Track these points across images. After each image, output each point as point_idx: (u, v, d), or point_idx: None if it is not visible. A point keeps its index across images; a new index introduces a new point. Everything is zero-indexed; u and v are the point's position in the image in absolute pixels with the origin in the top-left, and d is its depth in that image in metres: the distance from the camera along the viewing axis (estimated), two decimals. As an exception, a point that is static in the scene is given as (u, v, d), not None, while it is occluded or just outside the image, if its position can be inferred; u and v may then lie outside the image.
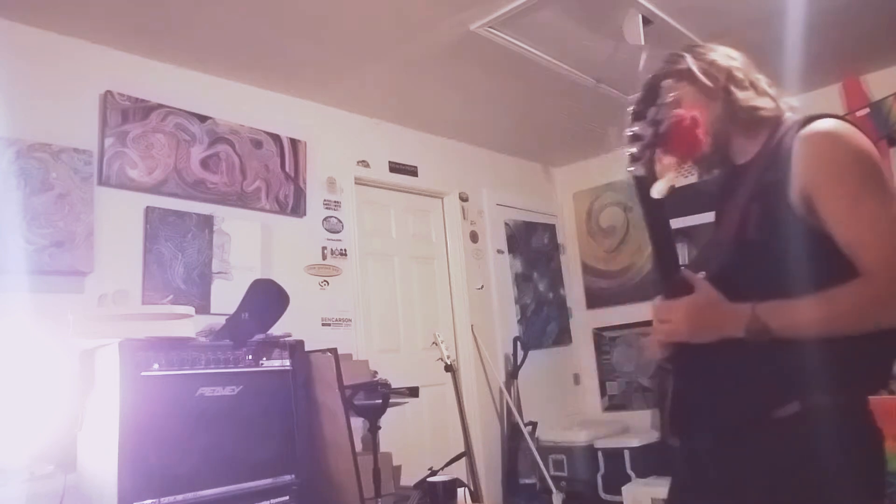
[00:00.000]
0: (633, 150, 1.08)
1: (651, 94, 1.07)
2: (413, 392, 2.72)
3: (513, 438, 3.95)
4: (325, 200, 3.47)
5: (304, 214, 3.34)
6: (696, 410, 1.22)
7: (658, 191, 1.10)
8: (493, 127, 4.07)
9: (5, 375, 2.17)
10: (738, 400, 1.15)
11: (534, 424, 4.01)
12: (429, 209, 4.13)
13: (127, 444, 1.82)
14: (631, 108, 1.08)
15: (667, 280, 1.19)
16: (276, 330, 2.27)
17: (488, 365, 4.06)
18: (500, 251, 4.43)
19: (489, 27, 2.83)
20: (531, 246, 4.70)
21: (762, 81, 1.29)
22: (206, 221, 2.93)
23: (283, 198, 3.24)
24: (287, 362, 2.25)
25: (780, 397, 1.10)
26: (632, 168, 1.09)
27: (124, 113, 2.72)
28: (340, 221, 3.51)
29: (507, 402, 3.98)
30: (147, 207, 2.75)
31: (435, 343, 3.30)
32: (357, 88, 3.37)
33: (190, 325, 2.11)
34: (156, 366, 1.94)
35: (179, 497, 1.90)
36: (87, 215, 2.53)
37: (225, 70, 3.08)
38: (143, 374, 1.91)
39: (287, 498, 2.13)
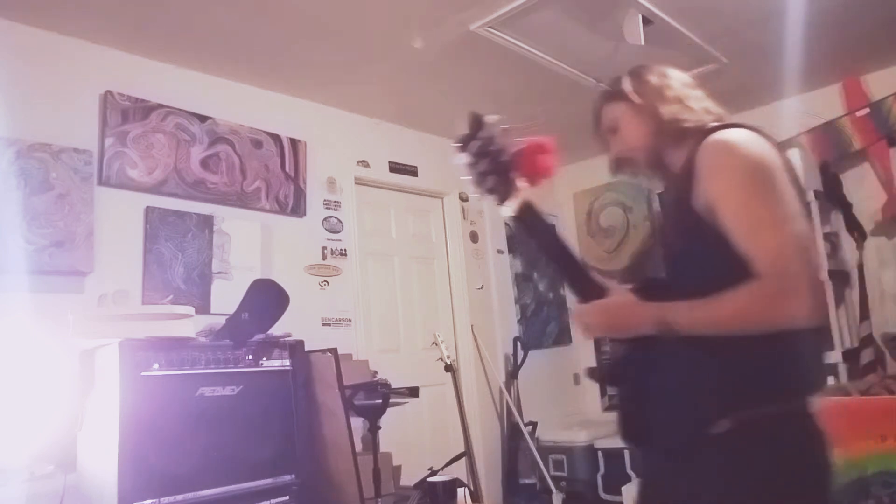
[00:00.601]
0: (471, 178, 1.14)
1: (477, 124, 1.12)
2: (413, 392, 2.72)
3: (513, 438, 3.95)
4: (325, 200, 3.47)
5: (304, 214, 3.34)
6: (643, 424, 1.27)
7: (505, 212, 1.16)
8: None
9: (5, 375, 2.17)
10: (676, 418, 1.19)
11: (534, 424, 4.01)
12: (429, 209, 4.13)
13: (127, 444, 1.82)
14: (458, 142, 1.14)
15: (575, 287, 1.25)
16: (276, 330, 2.27)
17: (488, 365, 4.06)
18: (500, 251, 4.43)
19: (489, 27, 2.83)
20: (531, 246, 4.69)
21: (693, 98, 1.34)
22: (206, 221, 2.93)
23: (283, 198, 3.24)
24: (287, 362, 2.25)
25: (712, 414, 1.13)
26: (478, 195, 1.16)
27: (124, 113, 2.72)
28: (340, 221, 3.51)
29: (507, 402, 3.98)
30: (147, 207, 2.75)
31: (435, 343, 3.30)
32: (357, 88, 3.37)
33: (190, 325, 2.12)
34: (156, 366, 1.95)
35: (179, 497, 1.90)
36: (87, 215, 2.53)
37: (225, 70, 3.08)
38: (143, 374, 1.91)
39: (287, 498, 2.13)
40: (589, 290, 1.22)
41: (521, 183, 1.15)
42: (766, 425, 1.10)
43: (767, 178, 1.14)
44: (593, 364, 4.71)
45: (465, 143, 1.13)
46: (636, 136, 1.36)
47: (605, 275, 1.30)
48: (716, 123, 1.28)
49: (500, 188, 1.14)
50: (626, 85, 1.39)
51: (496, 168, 1.12)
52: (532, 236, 1.22)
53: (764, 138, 1.21)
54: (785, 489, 1.10)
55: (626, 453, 3.87)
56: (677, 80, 1.38)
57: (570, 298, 1.20)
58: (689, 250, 1.21)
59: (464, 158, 1.14)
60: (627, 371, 1.27)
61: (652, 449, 1.29)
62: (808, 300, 1.08)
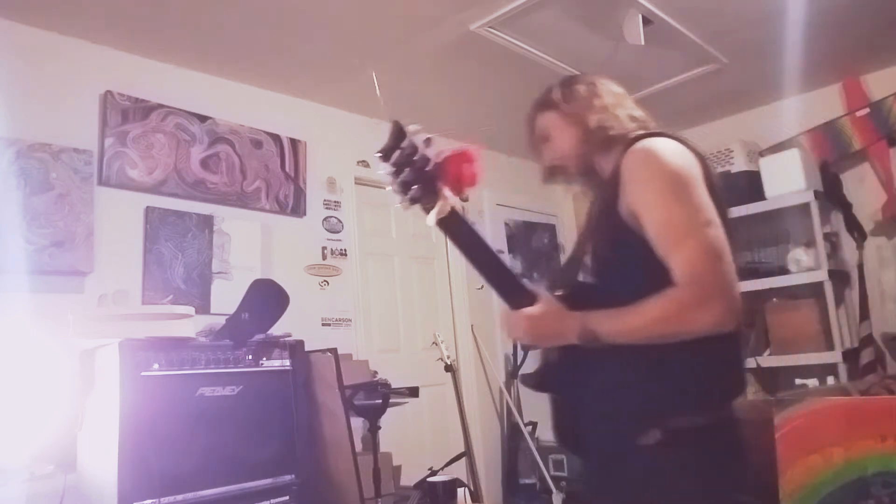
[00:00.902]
0: (394, 188, 1.12)
1: (399, 134, 1.10)
2: (413, 392, 2.72)
3: (513, 438, 3.95)
4: (325, 200, 3.47)
5: (304, 214, 3.34)
6: (576, 431, 1.29)
7: (429, 220, 1.15)
8: (493, 127, 4.07)
9: (5, 375, 2.17)
10: (606, 427, 1.21)
11: (534, 424, 4.01)
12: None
13: (127, 444, 1.82)
14: (379, 153, 1.12)
15: (505, 295, 1.24)
16: (276, 330, 2.27)
17: (488, 365, 4.06)
18: (500, 251, 4.42)
19: (489, 27, 2.83)
20: (531, 246, 4.70)
21: (620, 107, 1.37)
22: (206, 221, 2.93)
23: (283, 198, 3.24)
24: (287, 362, 2.25)
25: (641, 424, 1.15)
26: (400, 205, 1.14)
27: (124, 113, 2.72)
28: (340, 221, 3.51)
29: (507, 402, 3.98)
30: (147, 207, 2.75)
31: (435, 343, 3.30)
32: (357, 88, 3.37)
33: (190, 325, 2.12)
34: (156, 366, 1.95)
35: (179, 497, 1.90)
36: (87, 215, 2.53)
37: (225, 70, 3.08)
38: (143, 374, 1.91)
39: (287, 498, 2.13)
40: (518, 296, 1.22)
41: (445, 192, 1.13)
42: (694, 435, 1.12)
43: (686, 186, 1.17)
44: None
45: (386, 154, 1.11)
46: (566, 144, 1.39)
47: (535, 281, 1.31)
48: (641, 132, 1.30)
49: (424, 197, 1.11)
50: (556, 94, 1.42)
51: (419, 177, 1.10)
52: (458, 243, 1.20)
53: (687, 148, 1.24)
54: (712, 498, 1.13)
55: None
56: (606, 89, 1.41)
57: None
58: (614, 257, 1.24)
59: (385, 168, 1.12)
60: (559, 378, 1.28)
61: (586, 455, 1.32)
62: (722, 307, 1.10)
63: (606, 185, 1.30)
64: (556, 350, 1.27)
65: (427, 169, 1.10)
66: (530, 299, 1.21)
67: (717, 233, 1.14)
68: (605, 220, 1.27)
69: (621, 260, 1.22)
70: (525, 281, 1.26)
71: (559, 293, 1.25)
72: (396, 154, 1.09)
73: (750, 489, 1.17)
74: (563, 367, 1.27)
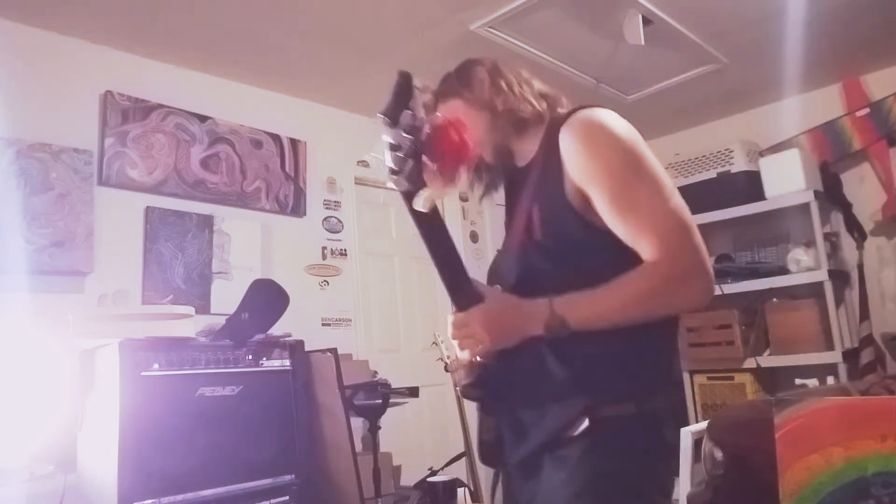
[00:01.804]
0: (392, 162, 0.97)
1: (402, 98, 0.95)
2: (413, 392, 2.72)
3: (513, 438, 3.94)
4: (325, 200, 3.47)
5: (304, 214, 3.34)
6: (504, 439, 1.21)
7: (421, 203, 0.99)
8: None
9: (5, 375, 2.17)
10: (537, 425, 1.14)
11: (534, 424, 4.01)
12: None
13: (127, 444, 1.82)
14: (381, 117, 0.96)
15: (457, 293, 1.15)
16: (276, 330, 2.27)
17: (488, 365, 4.05)
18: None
19: (489, 27, 2.83)
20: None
21: (526, 84, 1.29)
22: (206, 221, 2.93)
23: (283, 198, 3.24)
24: (287, 362, 2.25)
25: (571, 416, 1.09)
26: (392, 183, 0.99)
27: (124, 113, 2.72)
28: (340, 221, 3.51)
29: (507, 402, 3.97)
30: (147, 207, 2.75)
31: (435, 343, 3.30)
32: (357, 88, 3.37)
33: (190, 325, 2.12)
34: (156, 366, 1.95)
35: (179, 497, 1.90)
36: (87, 215, 2.53)
37: (225, 70, 3.08)
38: (143, 374, 1.91)
39: (287, 498, 2.13)
40: (469, 296, 1.14)
41: (433, 168, 0.98)
42: (620, 424, 1.08)
43: (640, 157, 1.09)
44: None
45: (393, 116, 0.94)
46: (475, 131, 1.25)
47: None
48: (568, 107, 1.22)
49: (418, 175, 0.96)
50: (456, 81, 1.32)
51: (415, 151, 0.95)
52: (427, 235, 1.10)
53: (620, 118, 1.15)
54: (636, 488, 1.08)
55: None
56: (508, 69, 1.32)
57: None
58: (560, 242, 1.14)
59: (393, 136, 0.94)
60: (494, 384, 1.19)
61: (509, 468, 1.24)
62: (703, 283, 1.06)
63: (535, 167, 1.21)
64: (493, 356, 1.18)
65: (421, 139, 0.96)
66: (479, 300, 1.13)
67: (683, 204, 1.08)
68: (540, 204, 1.16)
69: (568, 245, 1.13)
70: (476, 282, 1.17)
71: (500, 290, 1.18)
72: (405, 116, 0.94)
73: (665, 491, 1.13)
74: (496, 375, 1.18)
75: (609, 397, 1.09)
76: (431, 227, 1.09)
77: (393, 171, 0.98)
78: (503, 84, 1.28)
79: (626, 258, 1.07)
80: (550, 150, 1.16)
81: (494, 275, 1.25)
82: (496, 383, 1.19)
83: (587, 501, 1.09)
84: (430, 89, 1.02)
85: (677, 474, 1.17)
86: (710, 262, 1.08)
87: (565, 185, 1.12)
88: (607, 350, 1.08)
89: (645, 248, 1.06)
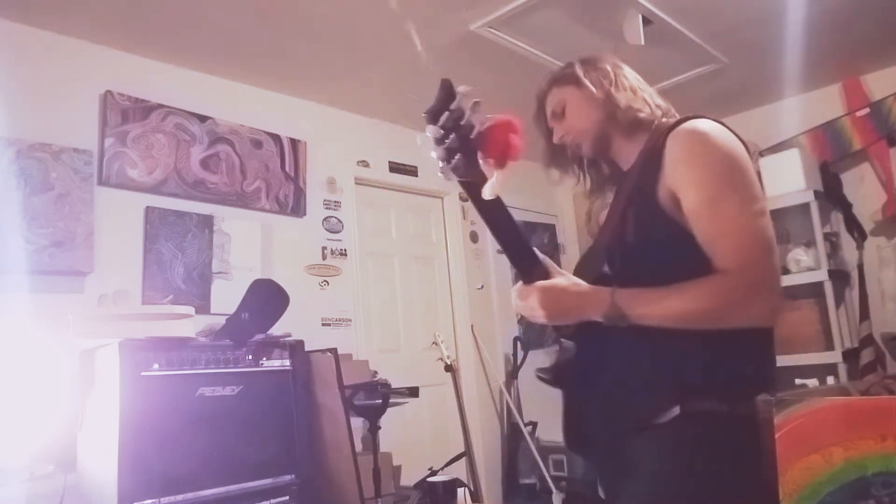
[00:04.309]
0: (438, 154, 1.03)
1: (443, 100, 1.02)
2: (413, 392, 2.72)
3: (513, 438, 3.95)
4: (325, 200, 3.47)
5: (304, 214, 3.34)
6: (584, 432, 1.24)
7: (488, 192, 1.06)
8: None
9: (5, 375, 2.17)
10: (624, 409, 1.16)
11: (534, 424, 4.01)
12: (429, 209, 4.13)
13: (127, 444, 1.82)
14: (427, 112, 1.03)
15: (523, 270, 1.19)
16: (276, 330, 2.27)
17: (488, 365, 4.05)
18: (500, 251, 4.41)
19: (489, 27, 2.83)
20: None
21: (646, 92, 1.31)
22: (206, 221, 2.93)
23: (283, 198, 3.24)
24: (287, 362, 2.25)
25: (661, 403, 1.10)
26: (441, 173, 1.04)
27: (124, 113, 2.72)
28: (340, 221, 3.51)
29: (507, 402, 3.98)
30: (147, 207, 2.75)
31: (435, 343, 3.30)
32: (357, 88, 3.37)
33: (190, 325, 2.12)
34: (156, 366, 1.95)
35: (179, 497, 1.90)
36: (87, 215, 2.53)
37: (225, 70, 3.08)
38: (143, 374, 1.91)
39: (287, 498, 2.13)
40: (534, 273, 1.16)
41: (486, 164, 1.05)
42: (712, 420, 1.08)
43: (740, 171, 1.11)
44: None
45: (435, 115, 1.02)
46: (585, 121, 1.31)
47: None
48: (678, 117, 1.24)
49: (466, 168, 1.03)
50: (579, 70, 1.33)
51: (464, 145, 1.01)
52: (489, 219, 1.13)
53: (731, 132, 1.17)
54: (714, 486, 1.08)
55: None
56: (630, 72, 1.34)
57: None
58: (646, 244, 1.16)
59: (432, 132, 1.02)
60: (575, 373, 1.22)
61: (595, 454, 1.27)
62: (771, 301, 1.06)
63: (635, 170, 1.23)
64: (573, 345, 1.22)
65: (472, 136, 1.02)
66: (546, 276, 1.16)
67: (769, 224, 1.08)
68: (634, 206, 1.18)
69: (654, 247, 1.15)
70: (547, 262, 1.20)
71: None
72: (445, 116, 1.01)
73: (750, 494, 1.11)
74: (580, 361, 1.21)
75: (701, 392, 1.09)
76: (492, 211, 1.11)
77: (441, 163, 1.04)
78: (626, 83, 1.30)
79: (704, 268, 1.08)
80: (652, 155, 1.18)
81: (579, 271, 1.28)
82: (582, 369, 1.21)
83: (667, 488, 1.10)
84: (472, 94, 1.04)
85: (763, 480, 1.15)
86: (780, 282, 1.08)
87: (659, 188, 1.14)
88: (703, 345, 1.08)
89: (721, 255, 1.06)
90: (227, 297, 2.81)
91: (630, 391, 1.15)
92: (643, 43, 2.83)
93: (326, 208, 3.47)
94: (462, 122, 1.01)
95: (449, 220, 4.19)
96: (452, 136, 1.01)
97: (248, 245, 3.06)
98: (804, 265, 3.52)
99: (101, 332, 1.97)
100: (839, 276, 3.57)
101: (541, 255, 1.20)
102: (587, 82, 1.30)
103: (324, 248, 3.41)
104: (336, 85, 3.34)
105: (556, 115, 1.37)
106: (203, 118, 2.97)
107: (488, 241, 4.34)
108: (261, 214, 3.16)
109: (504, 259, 4.81)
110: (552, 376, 1.29)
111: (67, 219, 2.48)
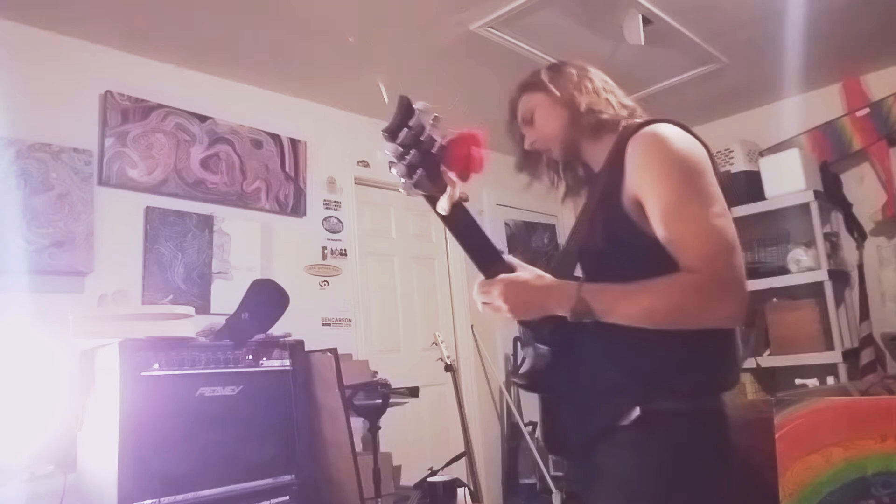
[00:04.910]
0: (396, 172, 1.04)
1: (407, 111, 1.02)
2: (413, 392, 2.72)
3: (513, 438, 3.95)
4: (325, 200, 3.47)
5: (304, 214, 3.34)
6: (562, 428, 1.25)
7: (442, 207, 1.08)
8: (493, 127, 4.07)
9: (5, 375, 2.17)
10: (590, 414, 1.17)
11: (534, 424, 4.01)
12: (429, 209, 4.05)
13: (127, 444, 1.82)
14: (386, 131, 1.05)
15: (486, 269, 1.19)
16: (276, 330, 2.27)
17: (488, 365, 4.06)
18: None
19: (489, 27, 2.83)
20: (531, 246, 4.70)
21: (611, 93, 1.32)
22: (206, 221, 2.93)
23: (283, 198, 3.24)
24: (287, 362, 2.25)
25: (622, 405, 1.12)
26: (403, 189, 1.06)
27: (124, 113, 2.72)
28: (340, 221, 3.51)
29: (507, 402, 3.98)
30: (147, 207, 2.75)
31: (435, 343, 3.30)
32: (357, 88, 3.37)
33: (190, 325, 2.11)
34: (156, 366, 1.94)
35: (179, 497, 1.90)
36: (87, 215, 2.53)
37: (225, 70, 3.08)
38: (143, 374, 1.91)
39: (287, 498, 2.13)
40: (497, 270, 1.17)
41: (450, 177, 1.06)
42: (673, 418, 1.09)
43: (699, 175, 1.12)
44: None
45: (393, 133, 1.02)
46: (552, 127, 1.33)
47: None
48: (641, 119, 1.25)
49: (429, 183, 1.04)
50: (544, 75, 1.36)
51: (425, 161, 1.02)
52: (456, 230, 1.15)
53: (693, 137, 1.19)
54: (683, 484, 1.09)
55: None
56: (596, 75, 1.36)
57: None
58: (611, 250, 1.17)
59: (391, 149, 1.03)
60: (550, 375, 1.22)
61: (572, 454, 1.28)
62: (737, 301, 1.07)
63: (604, 173, 1.24)
64: (547, 350, 1.22)
65: (433, 151, 1.03)
66: (509, 271, 1.17)
67: (731, 225, 1.10)
68: (602, 210, 1.20)
69: (619, 252, 1.16)
70: (510, 258, 1.21)
71: None
72: (404, 133, 1.02)
73: (718, 488, 1.12)
74: (554, 365, 1.21)
75: (662, 391, 1.10)
76: (454, 220, 1.14)
77: (402, 180, 1.05)
78: (590, 85, 1.32)
79: (669, 272, 1.08)
80: (617, 158, 1.18)
81: (551, 274, 1.28)
82: (552, 373, 1.22)
83: (634, 491, 1.11)
84: (431, 109, 1.05)
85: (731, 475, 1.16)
86: (746, 282, 1.09)
87: (623, 194, 1.15)
88: (662, 346, 1.09)
89: (685, 257, 1.07)
90: (227, 297, 2.81)
91: (595, 395, 1.16)
92: (643, 43, 2.83)
93: (326, 208, 3.47)
94: (422, 138, 1.02)
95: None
96: (413, 152, 1.02)
97: (248, 245, 3.06)
98: (804, 265, 3.52)
99: (101, 332, 1.97)
100: (839, 276, 3.57)
101: (507, 256, 1.21)
102: (552, 87, 1.32)
103: (324, 248, 3.41)
104: (336, 85, 3.34)
105: (525, 121, 1.39)
106: (203, 118, 2.97)
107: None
108: (261, 214, 3.16)
109: (504, 259, 4.71)
110: (528, 382, 1.30)
111: (67, 219, 2.48)
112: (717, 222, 1.08)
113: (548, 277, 1.17)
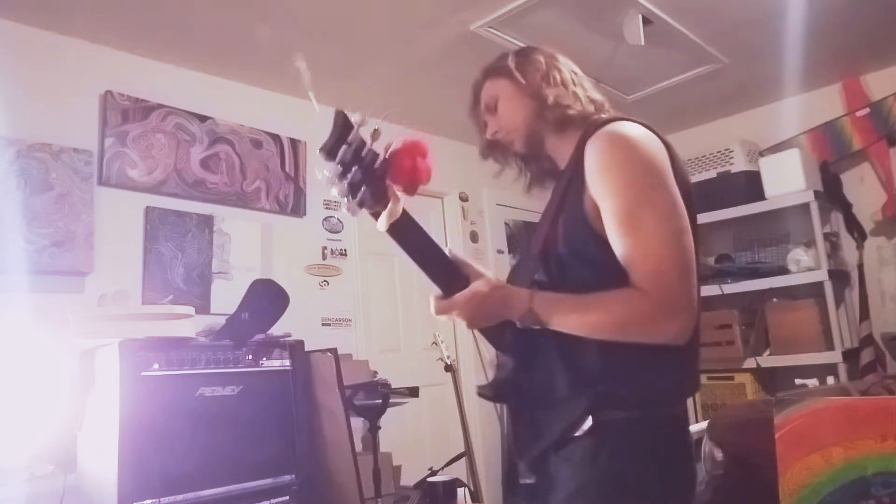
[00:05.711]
0: (341, 190, 0.99)
1: (339, 134, 0.98)
2: (413, 392, 2.72)
3: (513, 438, 3.94)
4: (325, 200, 3.47)
5: (304, 214, 3.34)
6: (523, 438, 1.22)
7: (381, 225, 1.05)
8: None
9: (5, 375, 2.17)
10: (544, 425, 1.15)
11: (534, 424, 4.01)
12: (429, 209, 4.13)
13: (127, 444, 1.82)
14: (323, 150, 0.99)
15: (440, 283, 1.16)
16: (276, 330, 2.27)
17: (488, 365, 4.05)
18: (500, 251, 4.42)
19: (489, 27, 2.83)
20: (531, 246, 4.69)
21: (580, 86, 1.26)
22: (206, 221, 2.93)
23: (283, 198, 3.24)
24: (287, 362, 2.25)
25: (574, 416, 1.09)
26: (347, 210, 1.01)
27: (124, 113, 2.72)
28: (340, 221, 3.51)
29: (507, 402, 3.97)
30: (147, 207, 2.75)
31: (435, 343, 3.30)
32: (357, 88, 3.37)
33: (190, 325, 2.11)
34: (156, 366, 1.95)
35: (179, 497, 1.90)
36: (87, 215, 2.53)
37: (225, 70, 3.08)
38: (143, 374, 1.91)
39: (287, 498, 2.13)
40: (452, 283, 1.14)
41: (394, 190, 1.02)
42: (624, 428, 1.08)
43: (661, 184, 1.07)
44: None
45: (332, 151, 0.97)
46: (516, 117, 1.27)
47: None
48: (605, 116, 1.20)
49: (373, 199, 0.99)
50: (511, 62, 1.29)
51: (368, 177, 0.97)
52: (406, 245, 1.11)
53: (656, 136, 1.14)
54: (636, 495, 1.07)
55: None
56: (566, 65, 1.29)
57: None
58: (575, 255, 1.13)
59: (330, 168, 0.97)
60: (512, 385, 1.20)
61: (536, 464, 1.25)
62: (683, 322, 1.04)
63: (567, 172, 1.19)
64: (510, 356, 1.20)
65: (376, 166, 0.98)
66: (463, 284, 1.14)
67: (689, 243, 1.06)
68: (566, 212, 1.15)
69: (583, 258, 1.11)
70: (462, 266, 1.18)
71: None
72: (343, 150, 0.97)
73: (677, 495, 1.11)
74: (515, 375, 1.19)
75: (615, 400, 1.08)
76: (400, 232, 1.10)
77: (345, 200, 1.00)
78: (558, 77, 1.25)
79: (623, 280, 1.06)
80: (580, 157, 1.14)
81: (513, 276, 1.26)
82: (513, 383, 1.20)
83: (588, 501, 1.09)
84: (367, 122, 1.02)
85: (694, 481, 1.15)
86: (696, 301, 1.07)
87: (584, 197, 1.11)
88: (614, 357, 1.07)
89: (636, 272, 1.03)
90: (227, 297, 2.81)
91: (549, 405, 1.14)
92: (643, 43, 2.83)
93: (326, 208, 3.47)
94: (363, 154, 0.98)
95: (449, 220, 4.19)
96: (354, 168, 0.97)
97: (248, 245, 3.06)
98: (804, 265, 3.52)
99: (101, 332, 1.97)
100: (839, 276, 3.57)
101: (460, 259, 1.18)
102: (518, 75, 1.26)
103: (324, 248, 3.41)
104: (336, 85, 3.33)
105: (489, 108, 1.33)
106: (203, 118, 2.97)
107: (488, 241, 4.35)
108: (261, 214, 3.16)
109: (505, 259, 4.80)
110: (492, 392, 1.27)
111: (67, 219, 2.48)
112: (672, 240, 1.04)
113: (502, 286, 1.14)
